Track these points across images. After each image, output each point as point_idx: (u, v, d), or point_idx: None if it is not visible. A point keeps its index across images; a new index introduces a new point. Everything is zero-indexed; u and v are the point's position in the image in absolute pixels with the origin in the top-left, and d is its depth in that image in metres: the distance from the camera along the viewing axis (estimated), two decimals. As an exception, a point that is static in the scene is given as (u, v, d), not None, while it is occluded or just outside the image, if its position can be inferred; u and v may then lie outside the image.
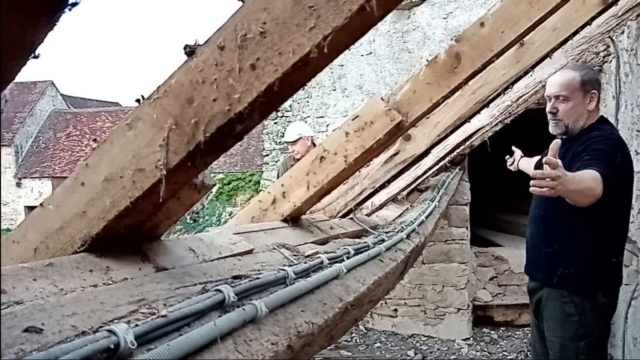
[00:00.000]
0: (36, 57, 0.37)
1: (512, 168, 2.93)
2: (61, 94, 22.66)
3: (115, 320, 0.59)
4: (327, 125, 6.24)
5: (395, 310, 5.19)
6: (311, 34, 0.64)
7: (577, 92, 2.16)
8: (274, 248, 1.17)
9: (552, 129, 2.27)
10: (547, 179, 1.67)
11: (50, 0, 0.33)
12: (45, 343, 0.51)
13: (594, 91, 2.19)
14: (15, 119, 20.03)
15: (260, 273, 0.93)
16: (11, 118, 19.95)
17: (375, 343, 4.97)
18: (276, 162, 7.61)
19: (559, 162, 1.68)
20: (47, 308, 0.56)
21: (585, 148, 2.07)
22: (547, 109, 2.23)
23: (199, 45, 0.70)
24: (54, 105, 21.75)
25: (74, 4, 0.33)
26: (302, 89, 0.73)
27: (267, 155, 8.63)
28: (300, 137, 4.11)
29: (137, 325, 0.58)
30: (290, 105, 7.01)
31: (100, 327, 0.56)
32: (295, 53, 0.64)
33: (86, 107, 23.41)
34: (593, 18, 1.89)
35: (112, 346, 0.53)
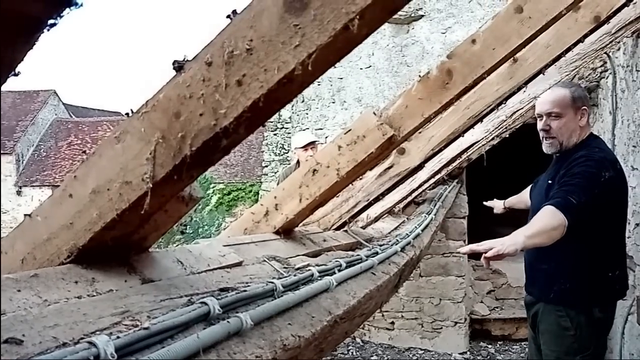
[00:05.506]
0: (16, 74, 0.38)
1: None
2: (63, 103, 22.74)
3: (97, 332, 0.59)
4: (326, 137, 6.26)
5: (392, 323, 5.16)
6: (296, 52, 0.65)
7: (568, 109, 2.19)
8: (264, 260, 1.17)
9: (546, 148, 2.29)
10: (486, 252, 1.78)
11: (29, 22, 0.34)
12: (24, 354, 0.51)
13: (585, 107, 2.22)
14: (17, 127, 20.08)
15: (248, 285, 0.93)
16: (13, 126, 20.02)
17: (372, 356, 4.93)
18: (275, 173, 7.63)
19: (485, 244, 1.80)
20: (29, 319, 0.57)
21: (567, 172, 2.10)
22: (540, 127, 2.25)
23: (187, 60, 0.71)
24: (56, 114, 21.81)
25: (52, 25, 0.35)
26: (287, 105, 0.74)
27: (267, 166, 8.68)
28: (317, 142, 4.22)
29: (118, 337, 0.58)
30: (290, 117, 7.04)
31: (82, 338, 0.57)
32: (281, 70, 0.66)
33: (88, 116, 23.47)
34: (586, 35, 1.92)
35: (91, 358, 0.53)
